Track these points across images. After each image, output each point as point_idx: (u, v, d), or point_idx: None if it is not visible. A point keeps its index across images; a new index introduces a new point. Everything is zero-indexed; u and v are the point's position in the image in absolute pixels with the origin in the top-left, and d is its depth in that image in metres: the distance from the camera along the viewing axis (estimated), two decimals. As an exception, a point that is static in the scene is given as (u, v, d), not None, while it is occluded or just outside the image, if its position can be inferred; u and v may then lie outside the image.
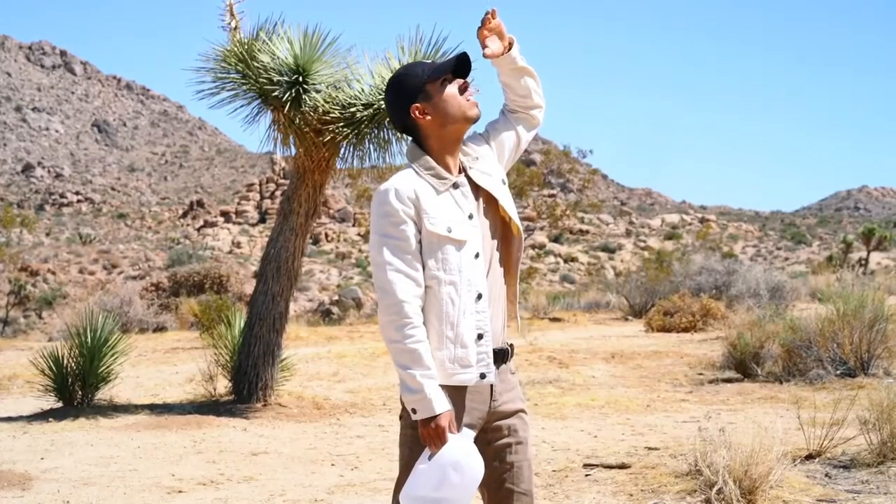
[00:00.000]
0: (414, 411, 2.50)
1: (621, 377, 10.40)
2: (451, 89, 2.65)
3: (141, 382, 10.53)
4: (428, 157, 2.65)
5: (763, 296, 16.53)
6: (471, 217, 2.63)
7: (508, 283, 2.74)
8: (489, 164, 2.76)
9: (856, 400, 6.25)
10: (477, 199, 2.68)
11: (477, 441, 2.65)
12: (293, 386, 9.43)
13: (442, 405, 2.48)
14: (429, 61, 2.71)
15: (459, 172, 2.69)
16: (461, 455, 2.48)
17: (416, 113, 2.64)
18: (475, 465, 2.50)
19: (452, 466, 2.46)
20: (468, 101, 2.66)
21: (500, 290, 2.70)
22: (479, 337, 2.58)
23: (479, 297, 2.60)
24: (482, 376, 2.58)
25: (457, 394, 2.58)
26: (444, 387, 2.53)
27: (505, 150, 2.84)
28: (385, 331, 2.55)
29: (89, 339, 8.65)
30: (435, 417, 2.47)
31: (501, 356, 2.67)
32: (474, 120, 2.68)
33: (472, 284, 2.59)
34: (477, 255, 2.61)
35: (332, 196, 68.03)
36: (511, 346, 2.73)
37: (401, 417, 2.67)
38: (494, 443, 2.67)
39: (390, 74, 7.86)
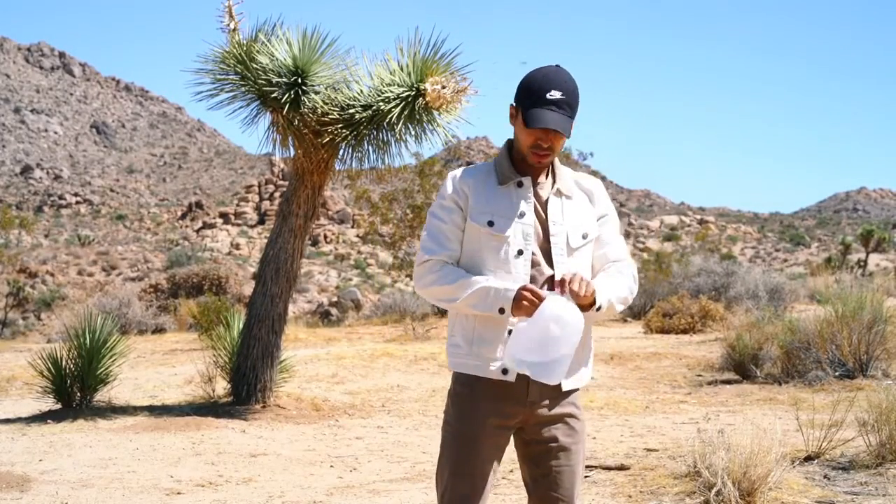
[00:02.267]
0: (502, 311, 2.50)
1: (620, 378, 10.41)
2: (531, 135, 2.60)
3: (140, 384, 10.51)
4: (505, 153, 2.70)
5: (762, 297, 16.54)
6: (522, 216, 2.63)
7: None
8: (581, 214, 2.70)
9: (854, 401, 6.25)
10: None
11: (517, 442, 2.65)
12: (292, 387, 9.42)
13: (517, 283, 2.52)
14: (559, 95, 2.56)
15: (536, 182, 2.68)
16: (559, 308, 2.44)
17: (511, 109, 2.68)
18: (575, 317, 2.45)
19: (553, 320, 2.43)
20: (533, 153, 2.62)
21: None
22: (510, 333, 2.56)
23: None
24: (504, 371, 2.57)
25: (484, 387, 2.59)
26: (471, 378, 2.58)
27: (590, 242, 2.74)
28: (432, 292, 2.60)
29: (88, 341, 8.64)
30: (518, 292, 2.48)
31: None
32: (531, 164, 2.66)
33: (506, 280, 2.58)
34: (520, 253, 2.60)
35: (330, 197, 68.09)
36: None
37: (445, 412, 2.71)
38: (534, 445, 2.65)
39: (389, 75, 7.92)
